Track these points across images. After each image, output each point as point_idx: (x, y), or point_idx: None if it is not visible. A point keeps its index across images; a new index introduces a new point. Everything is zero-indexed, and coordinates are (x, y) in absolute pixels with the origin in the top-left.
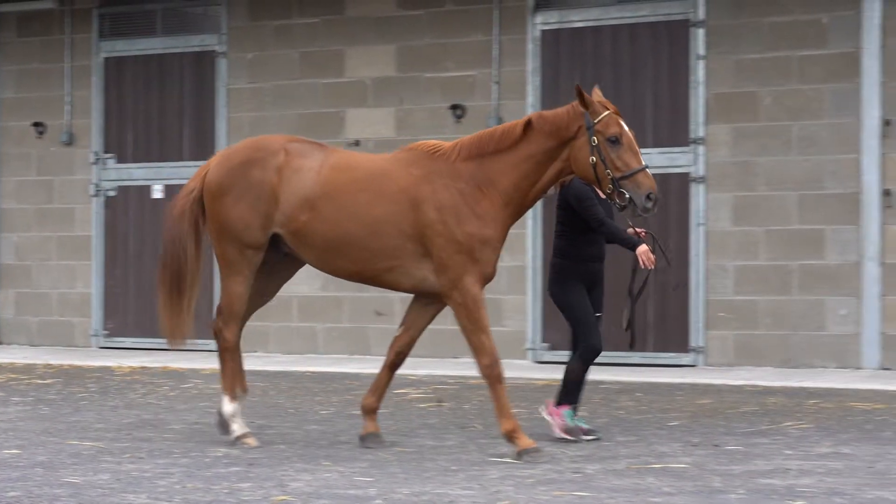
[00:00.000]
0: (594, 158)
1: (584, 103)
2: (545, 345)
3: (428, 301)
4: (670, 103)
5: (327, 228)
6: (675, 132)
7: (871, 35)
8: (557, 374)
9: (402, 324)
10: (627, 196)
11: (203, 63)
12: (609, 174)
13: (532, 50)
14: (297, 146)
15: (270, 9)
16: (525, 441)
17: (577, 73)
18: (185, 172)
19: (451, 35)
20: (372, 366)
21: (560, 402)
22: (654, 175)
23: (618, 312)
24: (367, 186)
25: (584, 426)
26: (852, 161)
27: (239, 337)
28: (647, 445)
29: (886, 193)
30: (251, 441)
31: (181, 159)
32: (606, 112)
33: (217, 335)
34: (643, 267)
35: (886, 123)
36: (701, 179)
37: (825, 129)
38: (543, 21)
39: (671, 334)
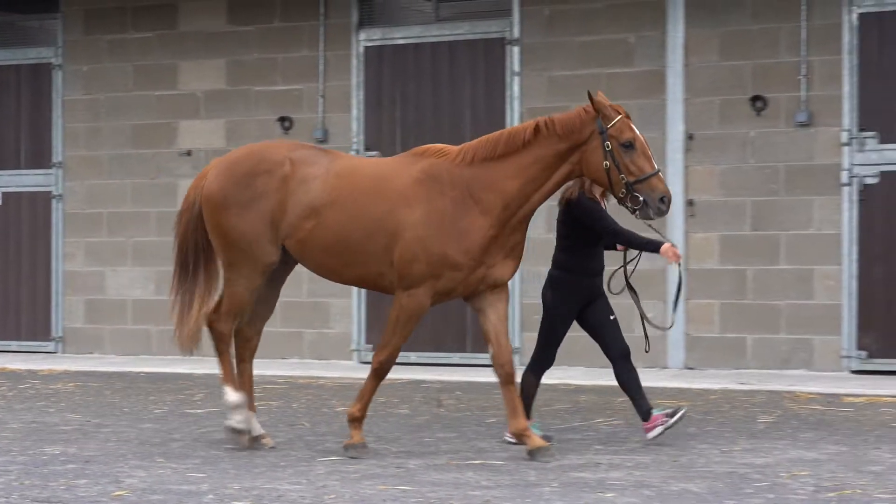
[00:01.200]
0: (608, 163)
1: (597, 108)
2: (369, 346)
3: (492, 297)
4: (487, 117)
5: (330, 234)
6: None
7: (674, 54)
8: None
9: (486, 340)
10: (641, 199)
11: (40, 75)
12: (623, 179)
13: (356, 65)
14: (301, 154)
15: (105, 23)
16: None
17: (398, 87)
18: (22, 180)
19: (278, 50)
20: (203, 366)
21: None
22: None
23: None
24: (369, 189)
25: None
26: None
27: (232, 331)
28: (466, 441)
29: (690, 203)
30: (245, 440)
31: (18, 167)
32: (619, 116)
33: (210, 328)
34: (671, 263)
35: (690, 137)
36: None
37: None
38: (367, 38)
39: None
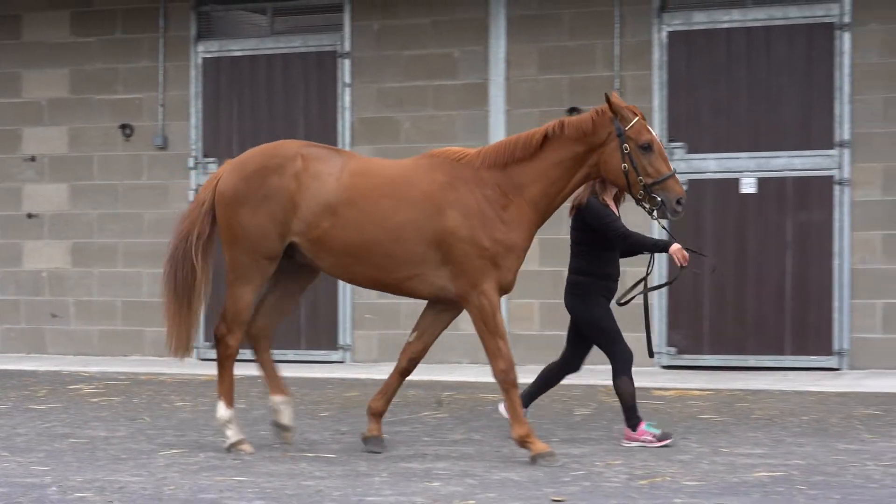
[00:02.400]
0: (626, 165)
1: (614, 110)
2: (208, 343)
3: (443, 308)
4: (320, 126)
5: (349, 234)
6: None
7: (496, 68)
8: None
9: (414, 330)
10: (659, 200)
11: None
12: (641, 180)
13: (195, 76)
14: (313, 151)
15: None
16: (538, 445)
17: (235, 97)
18: None
19: (120, 61)
20: (48, 363)
21: (632, 424)
22: None
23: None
24: (390, 192)
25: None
26: None
27: (239, 345)
28: (300, 434)
29: None
30: (247, 447)
31: None
32: (636, 118)
33: (219, 341)
34: (678, 265)
35: None
36: None
37: None
38: (205, 50)
39: (322, 333)
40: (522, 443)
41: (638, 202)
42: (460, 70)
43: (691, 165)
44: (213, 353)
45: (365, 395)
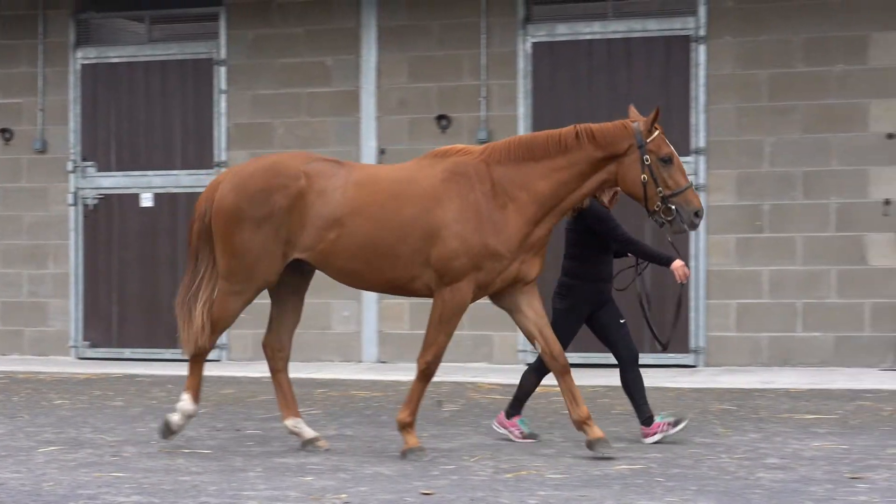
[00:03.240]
0: (645, 176)
1: (653, 122)
2: (86, 342)
3: (525, 295)
4: (196, 131)
5: (357, 241)
6: (201, 156)
7: (368, 76)
8: (98, 368)
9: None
10: (675, 211)
11: None
12: (660, 192)
13: (73, 82)
14: (316, 167)
15: None
16: (412, 440)
17: (113, 103)
18: None
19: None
20: None
21: (648, 418)
22: (183, 194)
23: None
24: (395, 193)
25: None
26: None
27: (213, 345)
28: None
29: None
30: (172, 437)
31: None
32: (657, 132)
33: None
34: (679, 281)
35: (382, 152)
36: None
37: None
38: (84, 56)
39: None
40: (401, 429)
41: (651, 214)
42: (333, 78)
43: None
44: (92, 353)
45: (241, 392)
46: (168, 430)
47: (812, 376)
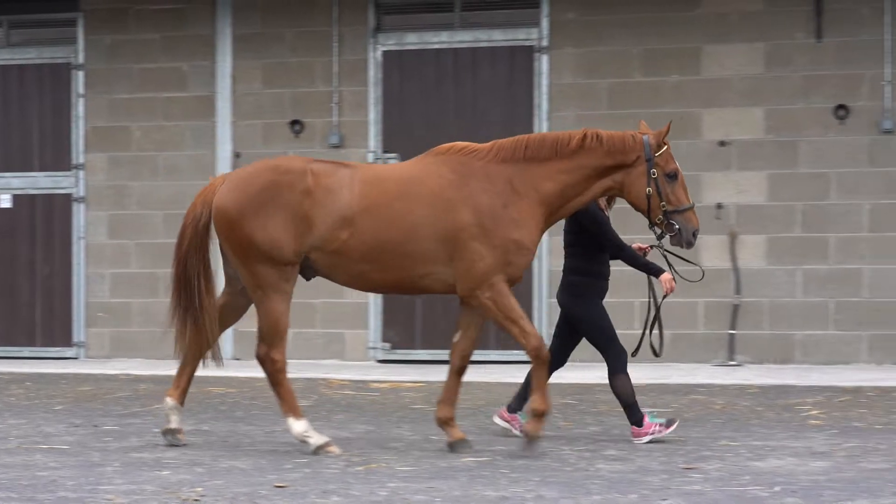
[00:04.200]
0: (650, 189)
1: (664, 136)
2: None
3: None
4: (54, 134)
5: (367, 241)
6: (58, 159)
7: (223, 82)
8: None
9: (457, 329)
10: (677, 228)
11: None
12: (664, 206)
13: None
14: (320, 166)
15: None
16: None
17: None
18: None
19: None
20: None
21: (636, 420)
22: (41, 196)
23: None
24: (402, 194)
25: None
26: None
27: (286, 357)
28: (35, 427)
29: None
30: (334, 449)
31: None
32: (665, 147)
33: (264, 361)
34: (665, 293)
35: (237, 156)
36: (81, 199)
37: (186, 160)
38: None
39: (56, 331)
40: (535, 415)
41: (652, 225)
42: (189, 83)
43: None
44: None
45: (98, 389)
46: (311, 446)
47: (650, 371)
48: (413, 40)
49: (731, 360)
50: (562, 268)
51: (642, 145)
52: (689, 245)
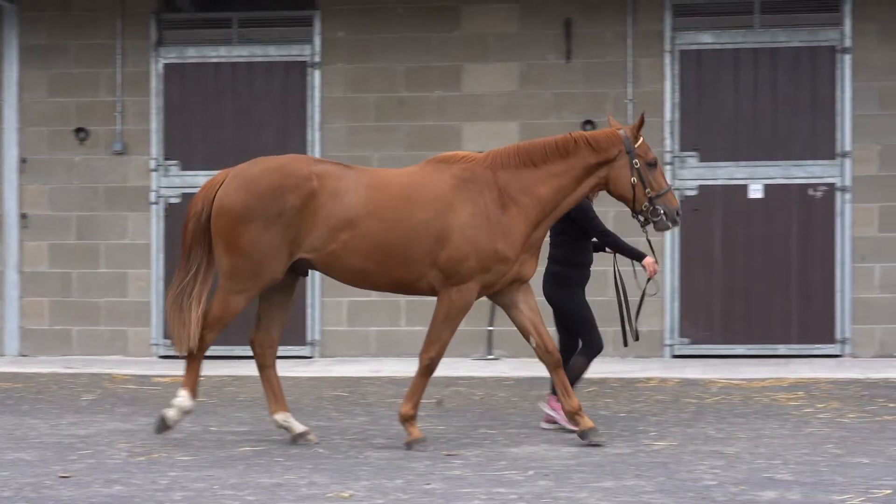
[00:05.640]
0: (634, 179)
1: (620, 128)
2: None
3: (520, 294)
4: None
5: (369, 243)
6: None
7: (10, 90)
8: None
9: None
10: (661, 212)
11: None
12: (648, 193)
13: None
14: (324, 168)
15: None
16: (416, 432)
17: None
18: None
19: None
20: None
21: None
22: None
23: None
24: (406, 198)
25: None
26: None
27: (213, 340)
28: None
29: (23, 216)
30: (176, 416)
31: None
32: (641, 139)
33: (200, 337)
34: (648, 277)
35: (23, 161)
36: None
37: None
38: None
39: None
40: (404, 421)
41: (636, 213)
42: None
43: (185, 181)
44: None
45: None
46: (164, 426)
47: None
48: (193, 54)
49: (490, 354)
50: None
51: (621, 140)
52: (674, 224)
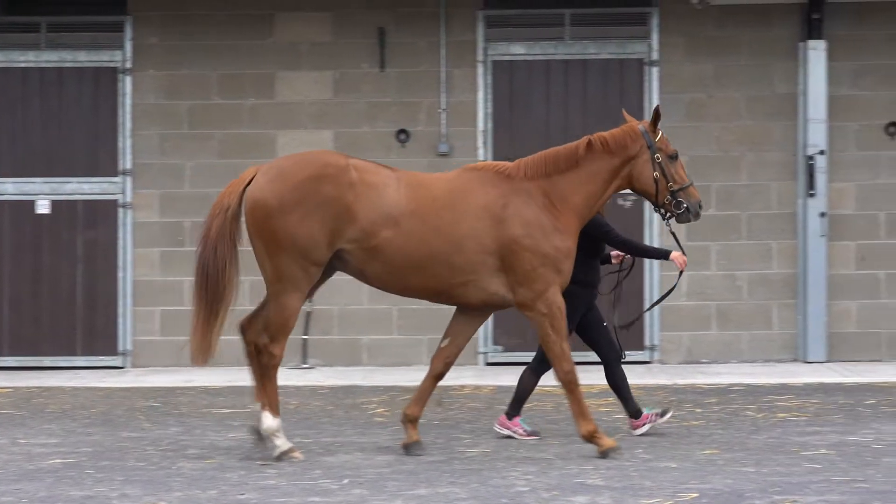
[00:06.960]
0: (657, 174)
1: (636, 123)
2: None
3: (477, 313)
4: None
5: (412, 245)
6: None
7: None
8: None
9: (445, 336)
10: (684, 205)
11: None
12: (670, 187)
13: None
14: (360, 163)
15: None
16: (606, 441)
17: None
18: None
19: None
20: None
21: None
22: None
23: None
24: (450, 204)
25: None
26: None
27: (283, 353)
28: None
29: None
30: (297, 455)
31: None
32: (660, 132)
33: (261, 352)
34: (680, 269)
35: None
36: None
37: None
38: None
39: None
40: (590, 438)
41: (659, 207)
42: None
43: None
44: None
45: None
46: (276, 449)
47: (230, 375)
48: (1, 59)
49: (305, 363)
50: None
51: (641, 135)
52: (696, 217)
